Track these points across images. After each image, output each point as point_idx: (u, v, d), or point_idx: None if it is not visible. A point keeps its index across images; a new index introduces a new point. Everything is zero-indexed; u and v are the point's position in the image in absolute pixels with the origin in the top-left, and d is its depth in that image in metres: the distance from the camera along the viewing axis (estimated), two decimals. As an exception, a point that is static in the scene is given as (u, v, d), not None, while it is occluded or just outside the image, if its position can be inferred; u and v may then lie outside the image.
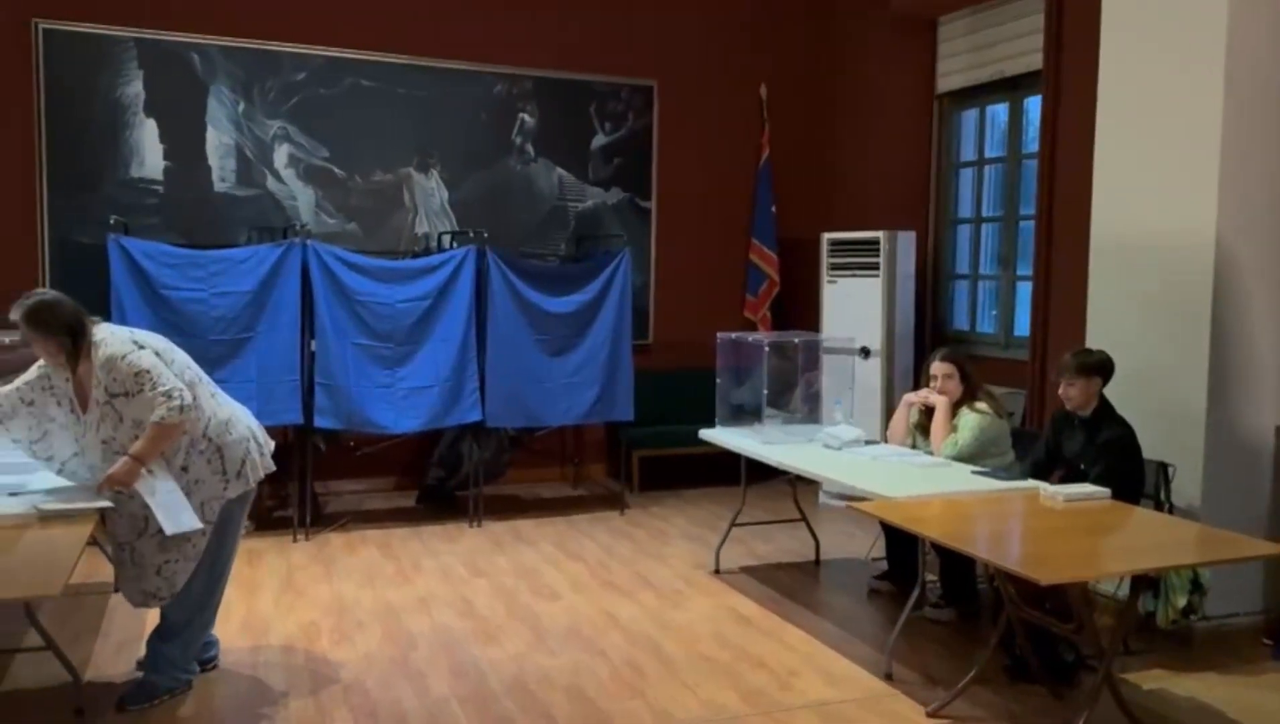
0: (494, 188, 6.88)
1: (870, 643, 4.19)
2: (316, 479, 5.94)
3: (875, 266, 6.44)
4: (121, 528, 3.37)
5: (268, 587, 4.82)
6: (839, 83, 7.51)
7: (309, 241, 5.63)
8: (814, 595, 4.90)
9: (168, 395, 3.23)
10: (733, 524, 5.22)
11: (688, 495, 6.86)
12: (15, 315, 3.25)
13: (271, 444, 3.71)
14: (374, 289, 5.77)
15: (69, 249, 5.88)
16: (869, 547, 5.31)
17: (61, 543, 2.99)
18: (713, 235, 7.49)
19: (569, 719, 3.46)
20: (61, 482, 3.49)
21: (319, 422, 5.60)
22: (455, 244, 6.38)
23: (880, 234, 6.45)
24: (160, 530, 3.29)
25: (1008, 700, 3.64)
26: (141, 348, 3.32)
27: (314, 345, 5.61)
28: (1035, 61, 5.80)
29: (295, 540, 5.59)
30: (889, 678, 3.82)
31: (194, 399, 3.36)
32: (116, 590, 3.63)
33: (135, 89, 6.02)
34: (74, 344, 3.27)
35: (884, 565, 4.95)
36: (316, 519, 5.90)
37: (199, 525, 3.37)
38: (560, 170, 7.05)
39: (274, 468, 3.69)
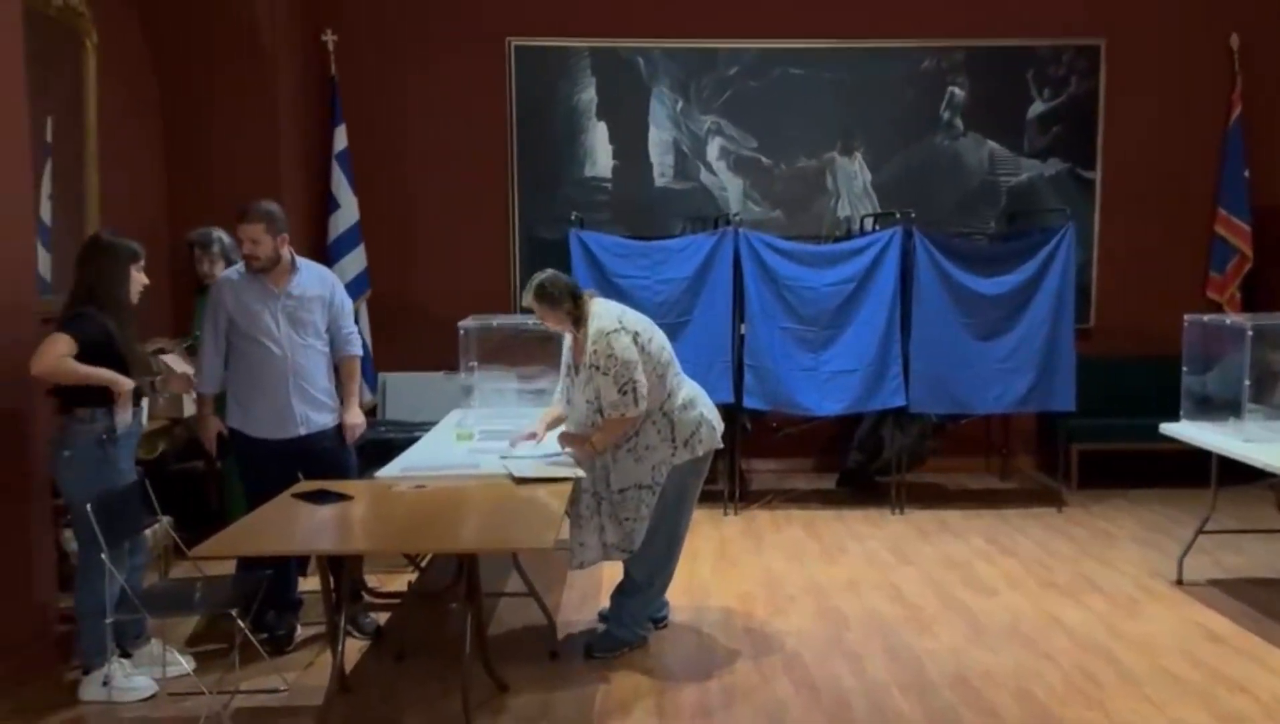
0: (918, 166, 6.71)
1: (1388, 681, 3.54)
2: (742, 457, 6.17)
3: (1389, 236, 5.40)
4: (597, 479, 3.76)
5: (705, 555, 5.09)
6: (1336, 21, 6.38)
7: (739, 229, 5.84)
8: (1305, 618, 4.24)
9: (623, 392, 3.57)
10: (1200, 531, 4.64)
11: (1135, 495, 6.22)
12: (527, 297, 3.77)
13: (722, 426, 3.92)
14: (799, 273, 5.87)
15: (533, 244, 6.60)
16: (1379, 568, 4.49)
17: (546, 501, 3.37)
18: (1168, 206, 6.72)
19: (1018, 722, 3.29)
20: (542, 449, 3.94)
21: (747, 402, 5.82)
22: (877, 226, 6.30)
23: (1396, 197, 5.40)
24: (621, 488, 3.70)
25: None
26: (623, 329, 3.65)
27: (743, 329, 5.83)
28: None
29: (726, 514, 5.86)
30: None
31: (661, 378, 3.69)
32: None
33: (589, 95, 6.62)
34: (575, 309, 3.71)
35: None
36: (744, 495, 6.14)
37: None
38: (992, 143, 6.70)
39: (721, 445, 3.89)
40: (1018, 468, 6.87)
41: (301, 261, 3.95)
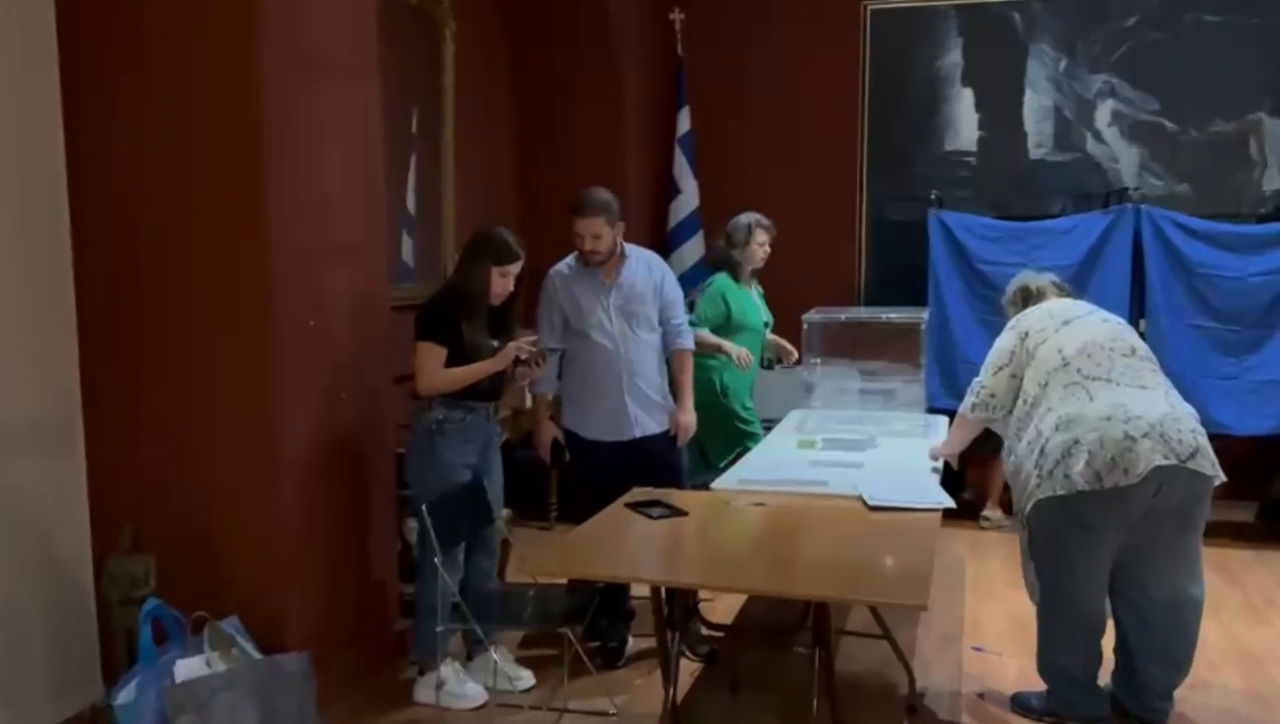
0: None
1: None
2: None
3: None
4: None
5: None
6: None
7: (1141, 206, 4.92)
8: None
9: (973, 390, 3.32)
10: None
11: None
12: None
13: (1140, 463, 2.91)
14: (1219, 260, 4.91)
15: (881, 227, 6.04)
16: None
17: (914, 536, 2.81)
18: None
19: None
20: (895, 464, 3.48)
21: (1144, 413, 4.90)
22: (1322, 201, 5.11)
23: None
24: (1015, 512, 3.27)
25: None
26: (1014, 328, 3.29)
27: (1142, 326, 4.94)
28: None
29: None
30: None
31: (1043, 387, 3.08)
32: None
33: (953, 59, 5.92)
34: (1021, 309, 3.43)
35: None
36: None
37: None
38: None
39: (1115, 483, 2.88)
40: None
41: (630, 248, 3.65)
